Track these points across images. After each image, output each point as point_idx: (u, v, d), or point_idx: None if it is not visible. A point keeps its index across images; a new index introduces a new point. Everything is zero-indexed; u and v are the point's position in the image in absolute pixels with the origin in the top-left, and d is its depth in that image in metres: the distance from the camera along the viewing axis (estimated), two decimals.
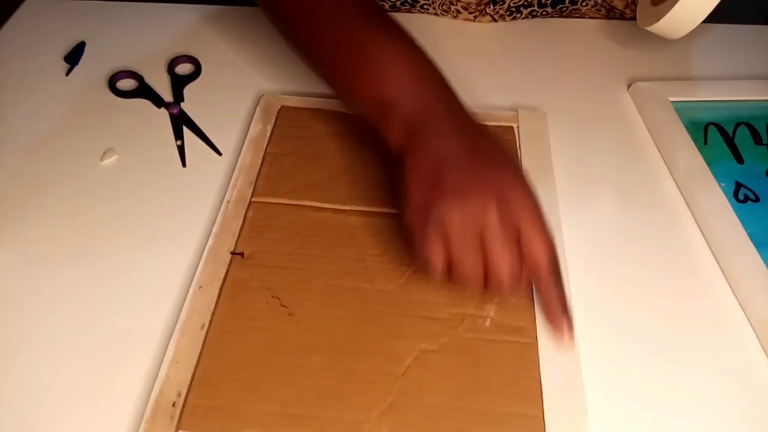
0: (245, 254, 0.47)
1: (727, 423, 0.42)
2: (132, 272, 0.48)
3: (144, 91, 0.62)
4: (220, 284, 0.46)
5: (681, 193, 0.55)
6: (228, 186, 0.52)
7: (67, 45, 0.66)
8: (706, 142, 0.58)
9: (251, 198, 0.51)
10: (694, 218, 0.53)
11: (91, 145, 0.56)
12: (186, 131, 0.58)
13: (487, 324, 0.44)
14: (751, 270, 0.48)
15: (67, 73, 0.63)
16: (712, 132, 0.59)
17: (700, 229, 0.52)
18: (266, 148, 0.55)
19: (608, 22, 0.72)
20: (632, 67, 0.67)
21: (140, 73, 0.63)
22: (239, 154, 0.55)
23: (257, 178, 0.53)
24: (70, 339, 0.44)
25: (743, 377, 0.44)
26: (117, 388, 0.41)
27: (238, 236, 0.48)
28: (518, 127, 0.58)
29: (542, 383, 0.41)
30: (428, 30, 0.69)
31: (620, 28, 0.71)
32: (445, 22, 0.71)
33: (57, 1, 0.71)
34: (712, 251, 0.50)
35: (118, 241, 0.49)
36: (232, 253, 0.47)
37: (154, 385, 0.41)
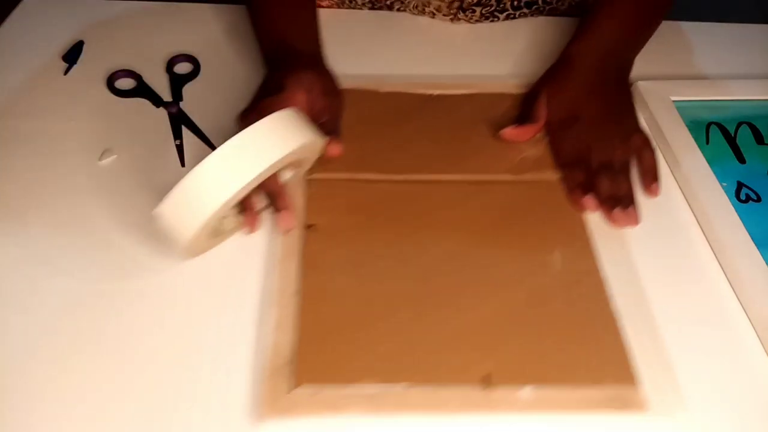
0: (315, 226, 0.50)
1: (728, 423, 0.42)
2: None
3: (142, 90, 0.62)
4: (299, 255, 0.49)
5: (682, 192, 0.55)
6: None
7: (65, 44, 0.67)
8: (707, 142, 0.59)
9: (308, 176, 0.54)
10: (696, 218, 0.53)
11: (89, 144, 0.57)
12: (185, 130, 0.59)
13: (556, 271, 0.48)
14: (752, 270, 0.48)
15: (66, 73, 0.64)
16: (714, 131, 0.60)
17: (702, 229, 0.53)
18: None
19: None
20: (634, 66, 0.67)
21: (139, 73, 0.64)
22: None
23: None
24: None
25: (744, 377, 0.45)
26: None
27: (305, 211, 0.51)
28: None
29: (616, 313, 0.46)
30: (413, 29, 0.70)
31: None
32: (430, 22, 0.72)
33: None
34: (713, 251, 0.51)
35: (115, 241, 0.50)
36: (304, 227, 0.50)
37: (264, 349, 0.43)
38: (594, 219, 0.52)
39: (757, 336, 0.46)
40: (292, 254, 0.49)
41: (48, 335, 0.45)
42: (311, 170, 0.54)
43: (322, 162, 0.53)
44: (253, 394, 0.42)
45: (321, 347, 0.43)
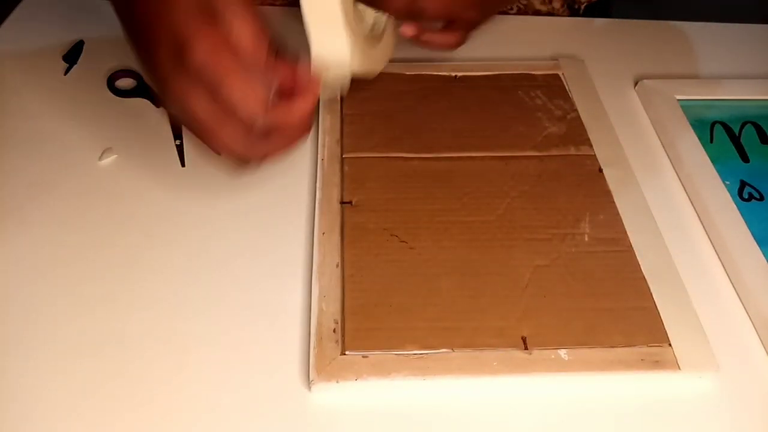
0: (353, 202, 0.54)
1: (728, 422, 0.43)
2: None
3: (143, 90, 0.64)
4: (340, 229, 0.52)
5: (685, 190, 0.57)
6: (227, 187, 0.55)
7: (65, 44, 0.68)
8: (711, 141, 0.60)
9: (342, 155, 0.58)
10: (698, 216, 0.55)
11: (89, 144, 0.59)
12: (185, 130, 0.60)
13: (586, 239, 0.52)
14: (754, 268, 0.50)
15: (66, 73, 0.66)
16: (718, 130, 0.61)
17: (704, 227, 0.54)
18: (342, 110, 0.62)
19: (615, 21, 0.74)
20: (639, 64, 0.69)
21: (139, 72, 0.65)
22: None
23: (341, 137, 0.59)
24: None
25: (745, 376, 0.46)
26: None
27: (342, 188, 0.55)
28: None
29: (645, 278, 0.49)
30: None
31: (627, 26, 0.74)
32: None
33: None
34: (715, 249, 0.53)
35: (119, 239, 0.52)
36: (342, 203, 0.54)
37: (311, 318, 0.46)
38: (619, 191, 0.55)
39: (758, 335, 0.48)
40: (333, 228, 0.52)
41: (48, 336, 0.46)
42: (344, 150, 0.58)
43: (355, 142, 0.58)
44: (303, 360, 0.45)
45: (365, 315, 0.47)
